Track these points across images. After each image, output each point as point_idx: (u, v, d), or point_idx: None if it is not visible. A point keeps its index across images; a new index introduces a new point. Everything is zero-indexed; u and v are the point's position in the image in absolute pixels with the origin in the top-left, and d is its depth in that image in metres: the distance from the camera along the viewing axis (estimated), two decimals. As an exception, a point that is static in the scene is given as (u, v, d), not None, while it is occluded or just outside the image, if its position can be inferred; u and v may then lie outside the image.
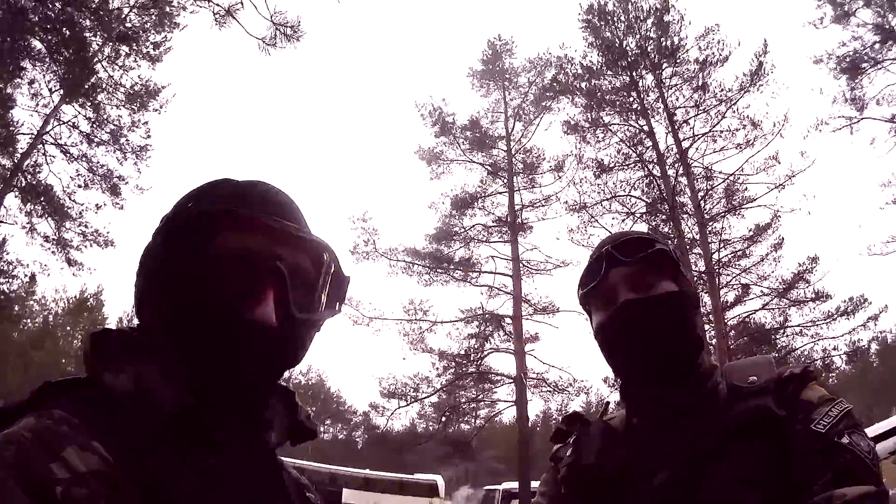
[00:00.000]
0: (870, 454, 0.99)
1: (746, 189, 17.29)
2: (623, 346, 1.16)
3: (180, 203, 0.81)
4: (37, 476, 0.54)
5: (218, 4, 9.24)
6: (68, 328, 37.33)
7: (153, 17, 16.91)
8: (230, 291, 0.73)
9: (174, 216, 0.79)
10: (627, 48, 18.35)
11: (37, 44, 14.24)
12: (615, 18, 18.54)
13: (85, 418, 0.63)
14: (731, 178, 17.28)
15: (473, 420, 19.20)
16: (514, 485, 21.01)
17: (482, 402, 18.90)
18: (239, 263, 0.74)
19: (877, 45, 16.55)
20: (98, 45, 16.27)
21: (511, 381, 17.73)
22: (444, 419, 18.34)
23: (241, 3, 8.56)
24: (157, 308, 0.76)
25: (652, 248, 1.18)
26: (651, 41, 18.24)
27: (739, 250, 17.81)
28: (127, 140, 17.35)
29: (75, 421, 0.62)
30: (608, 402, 1.45)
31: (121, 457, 0.61)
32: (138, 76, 17.42)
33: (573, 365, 35.79)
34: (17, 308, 29.29)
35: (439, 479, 24.49)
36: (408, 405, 17.67)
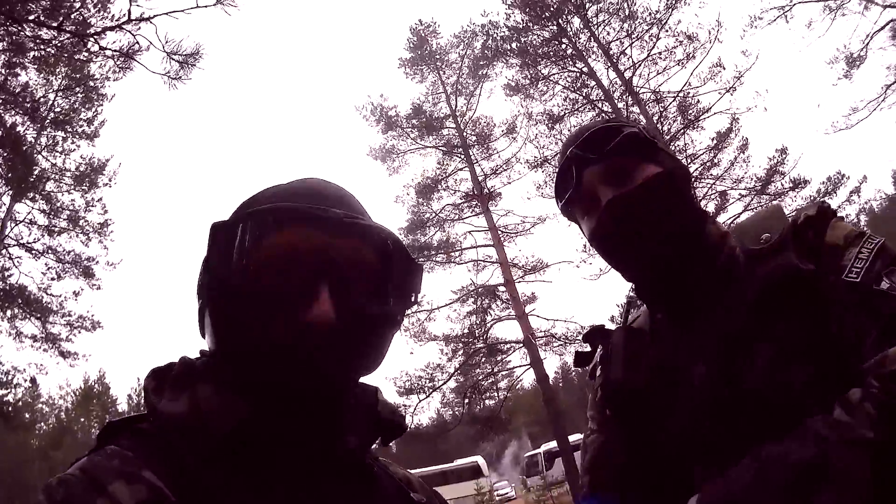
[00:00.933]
0: None
1: (699, 101, 17.38)
2: (621, 248, 1.08)
3: (231, 214, 0.77)
4: None
5: (115, 51, 9.28)
6: (82, 420, 37.13)
7: (79, 95, 17.04)
8: (282, 292, 0.69)
9: (220, 223, 0.73)
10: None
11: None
12: (528, -27, 18.67)
13: (140, 450, 0.63)
14: (681, 94, 17.36)
15: (496, 393, 19.27)
16: (553, 444, 21.16)
17: (499, 374, 19.01)
18: (289, 261, 0.69)
19: None
20: (34, 136, 16.32)
21: (521, 345, 17.84)
22: (466, 401, 18.42)
23: (138, 44, 8.58)
24: (212, 325, 0.73)
25: (620, 136, 1.08)
26: (568, -15, 18.32)
27: (707, 161, 17.73)
28: (86, 221, 17.45)
29: (129, 454, 0.61)
30: (628, 304, 1.31)
31: (176, 483, 0.60)
32: (80, 156, 17.56)
33: (577, 314, 35.95)
34: (27, 415, 29.10)
35: (480, 459, 24.63)
36: (427, 397, 17.69)
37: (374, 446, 0.82)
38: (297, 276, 0.69)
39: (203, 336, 0.76)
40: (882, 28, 15.93)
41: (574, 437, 18.22)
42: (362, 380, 0.79)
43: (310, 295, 0.68)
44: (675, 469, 1.02)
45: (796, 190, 16.53)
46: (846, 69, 16.66)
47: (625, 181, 1.05)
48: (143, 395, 0.73)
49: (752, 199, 17.49)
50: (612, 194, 1.04)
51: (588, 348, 1.25)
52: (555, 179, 1.16)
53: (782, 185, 16.82)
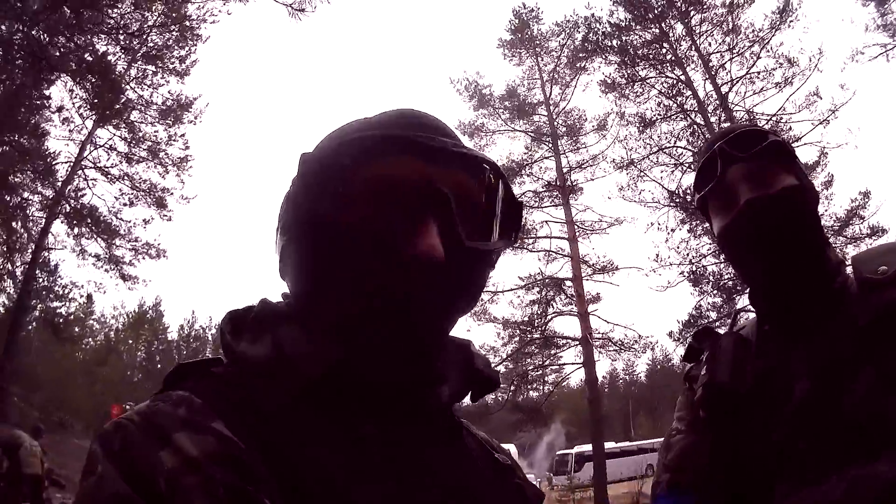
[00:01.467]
0: None
1: (791, 128, 16.96)
2: (750, 249, 1.10)
3: (318, 145, 0.71)
4: (141, 466, 0.49)
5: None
6: (130, 342, 38.48)
7: (174, 33, 17.37)
8: (385, 224, 0.63)
9: (310, 155, 0.68)
10: (653, 1, 18.14)
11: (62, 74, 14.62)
12: (638, -27, 18.28)
13: (212, 397, 0.57)
14: (774, 118, 17.00)
15: (542, 386, 19.44)
16: (587, 447, 21.27)
17: (549, 368, 19.14)
18: (392, 191, 0.64)
19: None
20: (124, 67, 16.78)
21: (577, 343, 17.90)
22: (512, 388, 18.61)
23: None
24: (300, 263, 0.67)
25: (767, 141, 1.10)
26: (676, -11, 17.92)
27: None
28: (166, 154, 17.95)
29: (198, 401, 0.55)
30: (737, 311, 1.33)
31: (252, 434, 0.54)
32: (168, 91, 17.95)
33: (637, 322, 35.62)
34: (77, 329, 30.23)
35: (513, 447, 24.80)
36: (479, 378, 17.87)
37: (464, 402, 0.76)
38: (401, 208, 0.63)
39: (284, 278, 0.71)
40: None
41: (609, 445, 18.29)
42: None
43: (415, 228, 0.62)
44: (759, 480, 1.03)
45: (873, 237, 16.23)
46: None
47: (765, 184, 1.07)
48: (219, 335, 0.68)
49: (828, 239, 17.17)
50: (752, 194, 1.06)
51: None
52: (696, 172, 1.18)
53: (860, 229, 16.57)
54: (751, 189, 1.07)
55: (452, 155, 0.66)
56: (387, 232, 0.62)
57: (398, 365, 0.63)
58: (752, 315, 1.24)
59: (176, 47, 17.69)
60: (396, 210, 0.63)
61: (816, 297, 1.08)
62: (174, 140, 18.02)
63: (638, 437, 37.56)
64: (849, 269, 1.11)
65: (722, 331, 1.21)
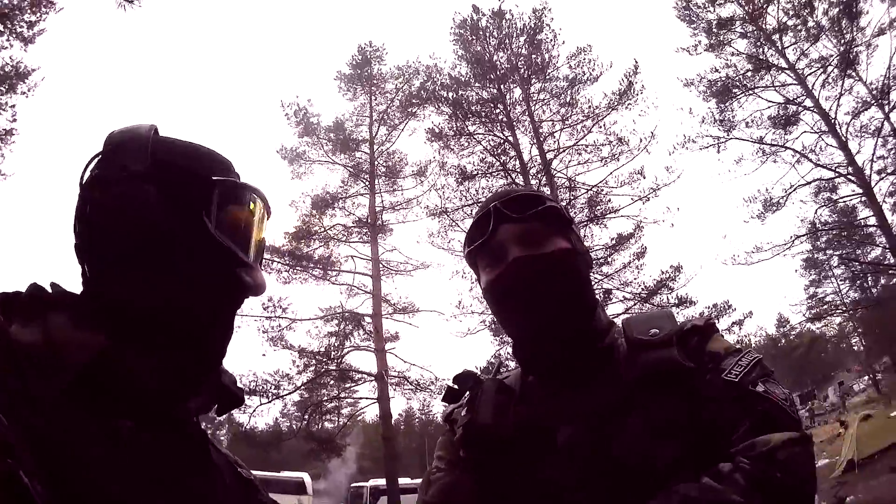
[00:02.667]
0: (787, 401, 0.99)
1: (610, 200, 17.77)
2: (514, 305, 1.12)
3: (169, 152, 0.81)
4: None
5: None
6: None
7: None
8: (243, 259, 0.81)
9: (176, 175, 0.79)
10: (497, 62, 18.90)
11: None
12: (487, 34, 19.09)
13: None
14: (595, 189, 17.81)
15: (337, 418, 19.39)
16: (381, 482, 21.25)
17: (344, 400, 19.18)
18: (243, 233, 0.82)
19: (749, 73, 17.82)
20: None
21: (373, 378, 18.06)
22: (306, 417, 18.48)
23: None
24: (126, 255, 0.74)
25: (543, 205, 1.15)
26: (522, 58, 18.90)
27: (602, 258, 18.01)
28: None
29: None
30: (500, 361, 1.39)
31: (20, 417, 0.56)
32: (10, 56, 16.82)
33: (435, 364, 36.78)
34: None
35: (306, 477, 24.34)
36: (269, 402, 17.57)
37: (210, 414, 0.84)
38: (245, 247, 0.84)
39: (85, 266, 0.76)
40: (808, 183, 17.11)
41: (405, 481, 18.38)
42: None
43: (251, 264, 0.83)
44: None
45: (680, 307, 16.97)
46: (762, 211, 17.56)
47: (535, 245, 1.11)
48: None
49: (634, 304, 17.77)
50: (520, 253, 1.09)
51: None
52: (470, 227, 1.21)
53: (668, 299, 17.31)
54: (520, 247, 1.10)
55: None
56: (231, 261, 0.78)
57: (161, 357, 0.69)
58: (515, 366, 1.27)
59: (28, 10, 16.68)
60: (241, 246, 0.80)
61: (583, 353, 1.11)
62: (4, 109, 16.69)
63: (434, 475, 36.98)
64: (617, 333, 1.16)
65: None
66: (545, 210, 1.14)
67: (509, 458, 1.09)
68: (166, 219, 0.74)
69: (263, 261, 0.94)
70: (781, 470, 0.87)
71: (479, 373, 1.25)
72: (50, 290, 0.73)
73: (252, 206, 0.84)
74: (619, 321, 1.20)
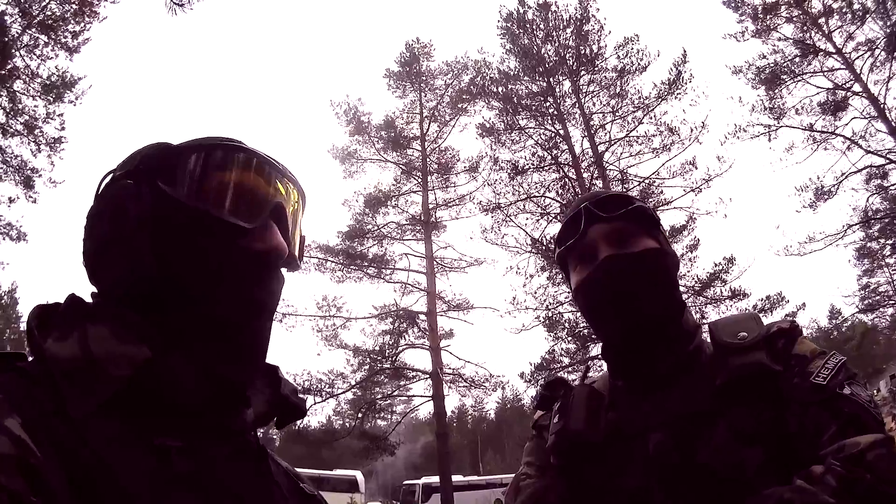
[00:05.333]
0: (871, 403, 0.99)
1: (662, 192, 17.49)
2: (605, 305, 1.13)
3: (154, 148, 0.76)
4: None
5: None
6: (-19, 328, 35.65)
7: (73, 5, 16.68)
8: (237, 225, 0.70)
9: (153, 158, 0.73)
10: (545, 55, 18.70)
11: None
12: (534, 27, 18.89)
13: (11, 394, 0.54)
14: (647, 181, 17.53)
15: (390, 416, 19.42)
16: (434, 479, 21.29)
17: (398, 398, 19.21)
18: (244, 201, 0.72)
19: (797, 59, 17.33)
20: (17, 32, 15.97)
21: (427, 376, 18.02)
22: (360, 415, 18.53)
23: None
24: (134, 259, 0.68)
25: (631, 206, 1.16)
26: (570, 49, 18.64)
27: None
28: (41, 131, 16.98)
29: None
30: (588, 366, 1.47)
31: (49, 436, 0.53)
32: (55, 66, 17.00)
33: (489, 360, 37.10)
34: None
35: (359, 475, 24.57)
36: (323, 401, 17.71)
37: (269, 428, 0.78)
38: (256, 214, 0.73)
39: (94, 274, 0.73)
40: (860, 171, 16.52)
41: (457, 478, 18.32)
42: None
43: (266, 231, 0.73)
44: None
45: (733, 300, 16.67)
46: (813, 200, 17.08)
47: (626, 245, 1.12)
48: (27, 330, 0.66)
49: (688, 298, 17.65)
50: (611, 252, 1.11)
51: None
52: (560, 227, 1.23)
53: (721, 291, 16.99)
54: (611, 248, 1.12)
55: (281, 176, 0.76)
56: (236, 230, 0.69)
57: (208, 367, 0.65)
58: (604, 367, 1.27)
59: (72, 21, 16.95)
60: (249, 215, 0.71)
61: (671, 356, 1.11)
62: (52, 118, 16.99)
63: (486, 472, 37.88)
64: (705, 335, 1.16)
65: (571, 377, 1.25)
66: (634, 210, 1.15)
67: (599, 465, 1.09)
68: (138, 203, 0.70)
69: (303, 242, 0.85)
70: (870, 471, 0.89)
71: (566, 377, 1.25)
72: (90, 301, 0.71)
73: (235, 163, 0.74)
74: (704, 324, 1.19)
